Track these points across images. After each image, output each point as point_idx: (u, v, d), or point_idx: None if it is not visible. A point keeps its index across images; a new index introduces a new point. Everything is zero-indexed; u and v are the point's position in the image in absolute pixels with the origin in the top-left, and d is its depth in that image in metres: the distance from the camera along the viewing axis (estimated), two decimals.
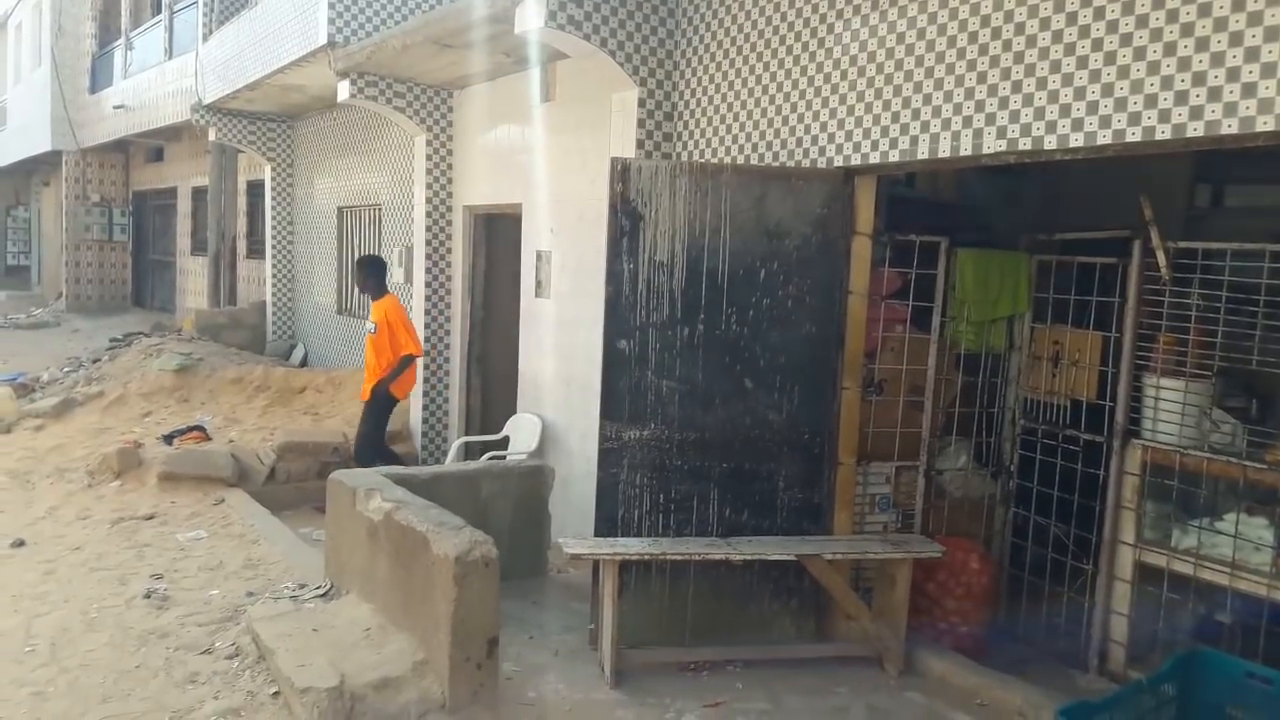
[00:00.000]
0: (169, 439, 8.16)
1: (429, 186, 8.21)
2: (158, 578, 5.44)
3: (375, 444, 7.20)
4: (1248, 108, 3.28)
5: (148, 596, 5.13)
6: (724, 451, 4.76)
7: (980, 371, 5.31)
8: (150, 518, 6.58)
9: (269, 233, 12.22)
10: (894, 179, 5.70)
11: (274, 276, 12.19)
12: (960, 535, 5.10)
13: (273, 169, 12.03)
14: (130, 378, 10.19)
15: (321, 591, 5.07)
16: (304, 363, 11.54)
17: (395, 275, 9.08)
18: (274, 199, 12.13)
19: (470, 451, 7.56)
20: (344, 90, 8.03)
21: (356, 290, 7.88)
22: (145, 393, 9.77)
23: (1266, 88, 3.23)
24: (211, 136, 11.95)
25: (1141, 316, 4.58)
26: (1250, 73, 3.27)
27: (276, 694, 4.09)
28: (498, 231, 7.96)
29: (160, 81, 13.85)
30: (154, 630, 4.71)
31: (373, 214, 10.06)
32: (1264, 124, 3.25)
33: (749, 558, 4.53)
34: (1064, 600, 4.88)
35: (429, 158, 8.20)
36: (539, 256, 6.87)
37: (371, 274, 7.47)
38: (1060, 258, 5.09)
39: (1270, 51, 3.22)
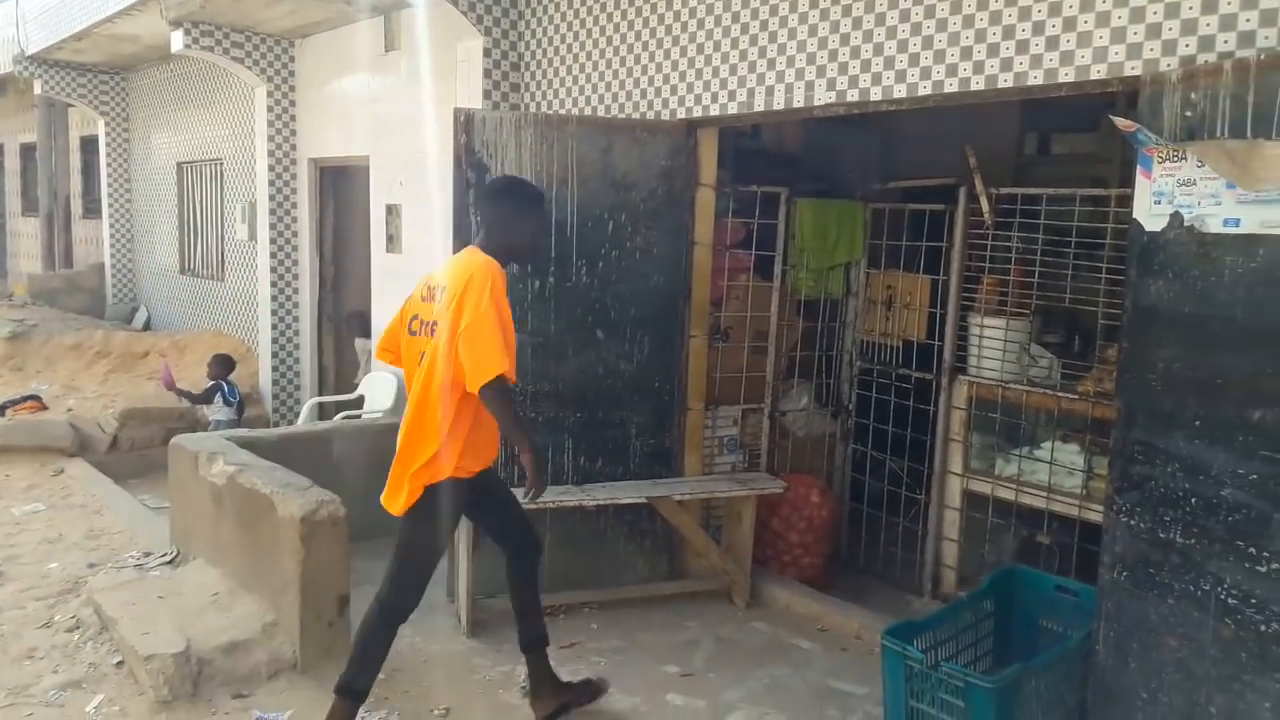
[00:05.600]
0: (1, 409, 7.73)
1: (271, 139, 7.92)
2: None
3: None
4: (1051, 60, 3.48)
5: None
6: (577, 402, 4.83)
7: (820, 316, 5.54)
8: None
9: (105, 191, 11.56)
10: (739, 131, 5.82)
11: (112, 237, 11.57)
12: (803, 472, 5.34)
13: (107, 124, 11.36)
14: None
15: (168, 559, 4.94)
16: (147, 326, 11.05)
17: (239, 232, 8.76)
18: (109, 156, 11.47)
19: (325, 412, 7.42)
20: (177, 40, 7.63)
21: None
22: None
23: (1068, 41, 3.43)
24: (38, 90, 11.18)
25: (967, 260, 4.84)
26: (1053, 26, 3.46)
27: (120, 664, 3.99)
28: (346, 185, 7.76)
29: None
30: None
31: (214, 169, 9.65)
32: (1065, 75, 3.45)
33: (602, 503, 4.63)
34: (900, 529, 5.18)
35: (270, 109, 7.91)
36: (389, 210, 6.75)
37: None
38: (893, 205, 5.31)
39: (1071, 6, 3.42)
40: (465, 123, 4.60)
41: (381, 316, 7.04)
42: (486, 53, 5.62)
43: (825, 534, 5.16)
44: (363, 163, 7.09)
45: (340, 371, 8.04)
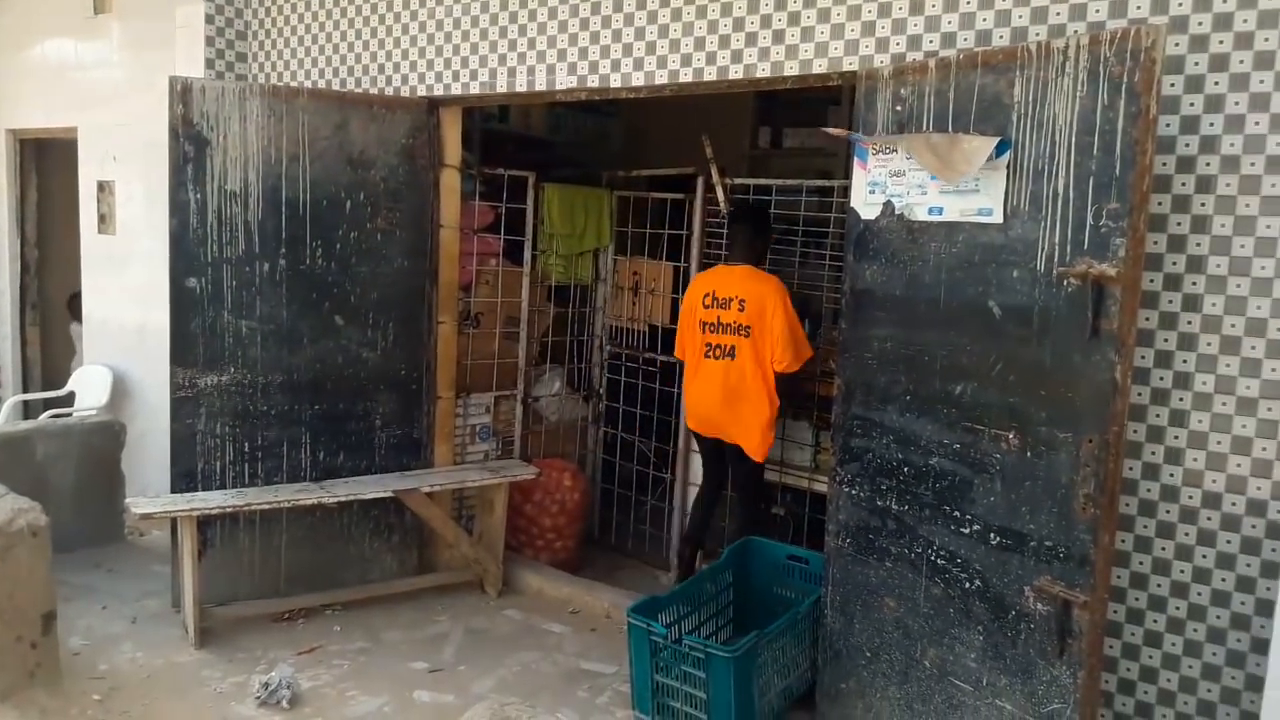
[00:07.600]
0: None
1: None
2: None
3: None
4: (778, 53, 3.62)
5: None
6: (315, 393, 4.60)
7: (570, 302, 5.55)
8: None
9: None
10: (486, 113, 5.73)
11: None
12: (556, 456, 5.34)
13: None
14: None
15: None
16: None
17: None
18: None
19: (31, 410, 6.68)
20: None
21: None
22: None
23: (793, 35, 3.58)
24: None
25: (705, 247, 4.99)
26: (779, 21, 3.61)
27: None
28: (51, 159, 7.01)
29: None
30: None
31: None
32: (790, 69, 3.60)
33: (344, 499, 4.43)
34: (648, 508, 5.29)
35: None
36: (101, 187, 6.14)
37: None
38: (638, 194, 5.39)
39: (795, 2, 3.58)
40: (182, 92, 4.27)
41: (94, 303, 6.41)
42: (209, 19, 5.23)
43: (578, 517, 5.19)
44: (70, 135, 6.42)
45: (49, 365, 7.27)
